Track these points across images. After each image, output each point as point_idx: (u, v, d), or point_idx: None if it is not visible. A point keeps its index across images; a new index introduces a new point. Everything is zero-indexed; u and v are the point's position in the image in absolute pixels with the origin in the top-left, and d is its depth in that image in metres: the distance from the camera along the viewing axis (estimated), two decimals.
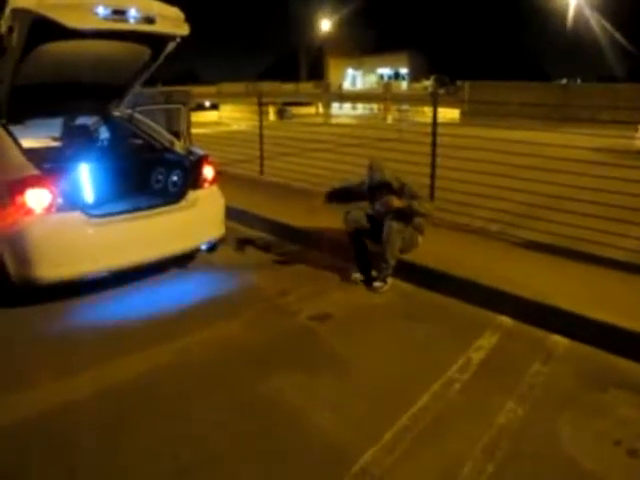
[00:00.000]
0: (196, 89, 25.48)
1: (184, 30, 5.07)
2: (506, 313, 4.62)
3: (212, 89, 33.71)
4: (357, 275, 5.36)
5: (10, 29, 4.44)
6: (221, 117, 22.39)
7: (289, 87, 43.22)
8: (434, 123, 6.85)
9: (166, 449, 3.09)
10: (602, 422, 3.32)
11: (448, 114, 21.74)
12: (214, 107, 23.67)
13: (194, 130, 11.54)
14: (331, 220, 5.93)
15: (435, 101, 7.04)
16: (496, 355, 4.04)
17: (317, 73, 53.02)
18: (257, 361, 4.01)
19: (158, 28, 4.88)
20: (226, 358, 4.02)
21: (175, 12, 5.00)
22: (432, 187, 6.80)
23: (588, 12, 44.10)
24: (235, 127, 17.04)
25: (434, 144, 6.80)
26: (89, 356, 4.02)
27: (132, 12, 4.68)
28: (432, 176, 6.79)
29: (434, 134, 6.81)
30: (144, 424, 3.31)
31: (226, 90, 33.30)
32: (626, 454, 3.06)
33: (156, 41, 5.23)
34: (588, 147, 7.01)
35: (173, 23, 4.99)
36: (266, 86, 36.28)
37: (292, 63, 59.25)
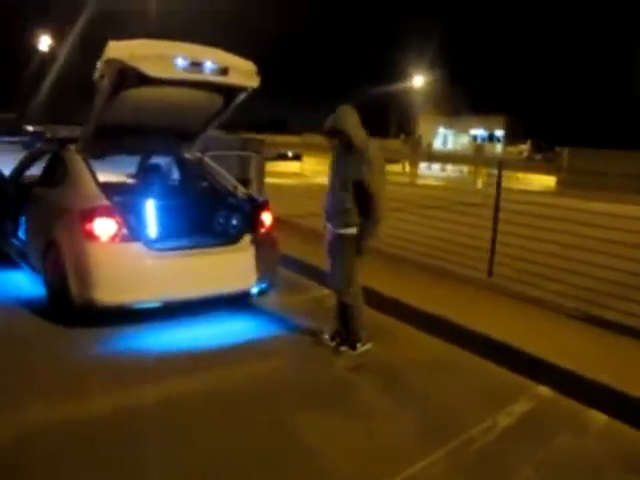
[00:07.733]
0: (279, 138, 25.28)
1: (254, 82, 5.41)
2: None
3: (296, 139, 33.89)
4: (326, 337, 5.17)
5: (102, 76, 4.95)
6: (303, 169, 21.51)
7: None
8: (498, 188, 6.88)
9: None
10: None
11: (543, 181, 20.75)
12: (297, 158, 22.68)
13: (273, 180, 11.82)
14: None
15: (500, 167, 7.08)
16: (525, 422, 4.07)
17: (406, 129, 52.40)
18: (285, 401, 4.22)
19: (230, 80, 5.25)
20: (252, 393, 4.29)
21: (248, 65, 5.36)
22: (492, 252, 6.78)
23: None
24: (317, 180, 16.19)
25: (496, 208, 6.82)
26: (136, 377, 4.34)
27: (208, 64, 5.08)
28: (493, 241, 6.79)
29: (497, 197, 6.83)
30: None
31: (310, 141, 33.06)
32: None
33: (228, 91, 5.61)
34: None
35: (245, 75, 5.34)
36: None
37: (381, 117, 58.99)
